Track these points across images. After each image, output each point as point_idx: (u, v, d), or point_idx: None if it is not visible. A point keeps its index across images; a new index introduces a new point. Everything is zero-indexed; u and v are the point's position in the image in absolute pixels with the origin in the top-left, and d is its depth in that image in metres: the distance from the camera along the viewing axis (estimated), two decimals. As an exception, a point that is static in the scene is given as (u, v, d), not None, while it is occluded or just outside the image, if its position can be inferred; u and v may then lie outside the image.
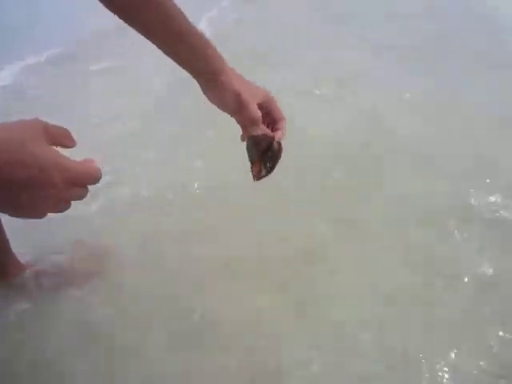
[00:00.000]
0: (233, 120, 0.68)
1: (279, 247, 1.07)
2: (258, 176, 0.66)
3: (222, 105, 0.64)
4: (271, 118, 0.70)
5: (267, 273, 1.00)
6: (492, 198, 1.21)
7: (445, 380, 0.80)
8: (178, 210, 1.20)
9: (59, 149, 0.37)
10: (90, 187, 0.40)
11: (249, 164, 0.68)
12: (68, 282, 0.97)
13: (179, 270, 1.01)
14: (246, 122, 0.64)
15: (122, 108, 1.64)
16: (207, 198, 1.22)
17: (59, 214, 0.39)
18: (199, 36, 0.60)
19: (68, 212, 0.40)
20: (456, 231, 1.11)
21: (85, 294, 0.96)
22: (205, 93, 0.64)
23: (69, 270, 1.00)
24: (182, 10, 0.60)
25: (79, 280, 0.97)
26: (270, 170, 0.66)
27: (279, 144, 0.68)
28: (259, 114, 0.63)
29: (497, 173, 1.30)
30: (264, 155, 0.66)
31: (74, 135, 0.40)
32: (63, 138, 0.38)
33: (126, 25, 0.60)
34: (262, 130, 0.67)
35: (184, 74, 0.65)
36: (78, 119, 1.50)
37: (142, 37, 0.61)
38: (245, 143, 0.68)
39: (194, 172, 1.33)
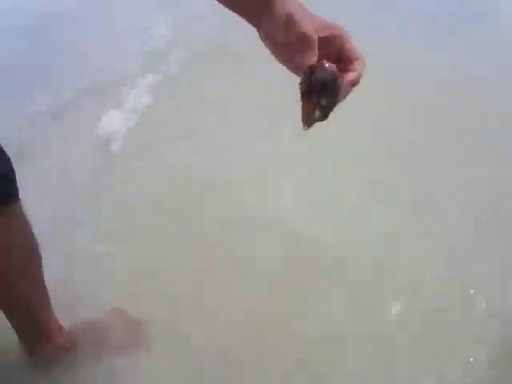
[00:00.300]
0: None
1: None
2: (307, 121, 0.48)
3: (273, 37, 0.50)
4: (343, 58, 0.52)
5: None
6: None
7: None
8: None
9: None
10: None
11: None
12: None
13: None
14: (297, 45, 0.48)
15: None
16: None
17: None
18: None
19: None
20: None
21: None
22: (258, 29, 0.52)
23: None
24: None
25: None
26: (326, 112, 0.48)
27: (346, 82, 0.49)
28: (314, 35, 0.48)
29: None
30: (321, 92, 0.48)
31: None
32: None
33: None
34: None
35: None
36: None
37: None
38: None
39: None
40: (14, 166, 0.68)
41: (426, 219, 1.28)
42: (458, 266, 1.15)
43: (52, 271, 0.86)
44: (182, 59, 1.88)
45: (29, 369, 0.91)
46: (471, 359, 0.96)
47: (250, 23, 0.52)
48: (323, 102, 0.47)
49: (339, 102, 0.48)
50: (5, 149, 0.67)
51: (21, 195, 0.71)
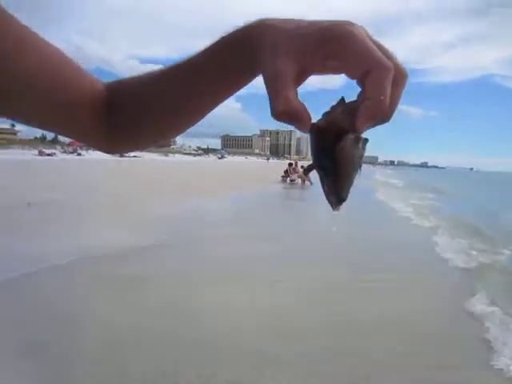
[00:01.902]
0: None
1: None
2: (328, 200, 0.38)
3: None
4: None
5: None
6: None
7: None
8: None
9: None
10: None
11: None
12: None
13: None
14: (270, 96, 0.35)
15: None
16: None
17: None
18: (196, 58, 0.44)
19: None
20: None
21: None
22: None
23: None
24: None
25: None
26: (336, 191, 0.36)
27: (357, 140, 0.35)
28: (287, 73, 0.33)
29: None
30: (325, 156, 0.36)
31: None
32: None
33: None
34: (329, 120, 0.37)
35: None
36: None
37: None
38: None
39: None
40: None
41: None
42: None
43: None
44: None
45: None
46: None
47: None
48: (326, 173, 0.36)
49: (348, 172, 0.35)
50: None
51: None
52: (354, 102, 0.35)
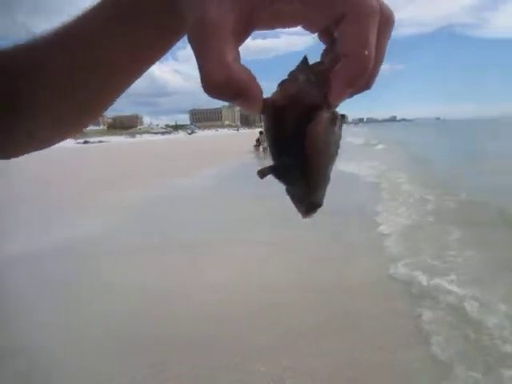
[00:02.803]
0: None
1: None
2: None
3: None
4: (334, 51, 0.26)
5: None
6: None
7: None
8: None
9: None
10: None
11: None
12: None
13: None
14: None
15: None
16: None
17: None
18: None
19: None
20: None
21: None
22: None
23: None
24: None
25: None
26: (299, 187, 0.28)
27: (333, 119, 0.26)
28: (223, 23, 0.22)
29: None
30: (287, 148, 0.26)
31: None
32: None
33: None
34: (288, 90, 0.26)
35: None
36: None
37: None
38: None
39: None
40: None
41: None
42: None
43: None
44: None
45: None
46: None
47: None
48: (290, 179, 0.27)
49: (323, 166, 0.26)
50: None
51: None
52: (321, 63, 0.27)
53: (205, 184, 9.76)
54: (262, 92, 0.24)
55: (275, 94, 0.26)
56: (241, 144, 24.65)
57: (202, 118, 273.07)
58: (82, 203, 7.62)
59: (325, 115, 0.25)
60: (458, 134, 40.02)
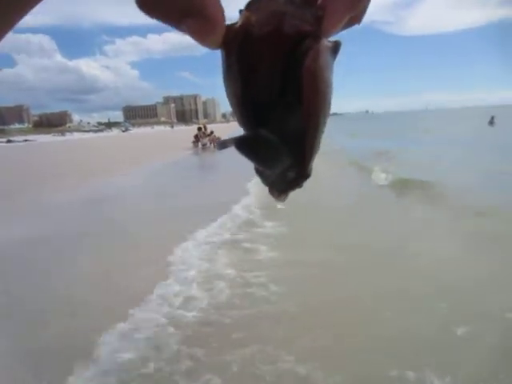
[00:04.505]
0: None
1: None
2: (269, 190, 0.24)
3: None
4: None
5: None
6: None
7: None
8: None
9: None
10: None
11: None
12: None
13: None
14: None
15: None
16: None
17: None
18: None
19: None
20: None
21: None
22: None
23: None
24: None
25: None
26: (288, 150, 0.20)
27: (335, 49, 0.19)
28: None
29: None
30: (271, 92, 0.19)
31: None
32: None
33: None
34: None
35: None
36: None
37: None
38: None
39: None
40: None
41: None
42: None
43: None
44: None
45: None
46: None
47: None
48: (269, 142, 0.21)
49: (324, 114, 0.20)
50: None
51: None
52: None
53: (141, 182, 9.63)
54: (223, 12, 0.17)
55: (243, 18, 0.18)
56: (178, 141, 24.28)
57: (136, 115, 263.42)
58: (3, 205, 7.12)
59: (326, 45, 0.19)
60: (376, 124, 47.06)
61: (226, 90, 0.20)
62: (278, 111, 0.19)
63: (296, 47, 0.18)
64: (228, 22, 0.17)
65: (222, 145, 0.20)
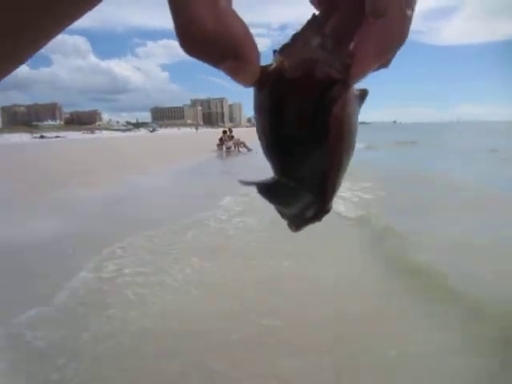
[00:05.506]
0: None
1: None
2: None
3: None
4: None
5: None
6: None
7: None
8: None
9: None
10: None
11: None
12: None
13: None
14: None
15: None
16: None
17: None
18: None
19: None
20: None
21: None
22: None
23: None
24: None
25: None
26: (311, 187, 0.21)
27: (363, 96, 0.22)
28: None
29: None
30: (299, 133, 0.20)
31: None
32: None
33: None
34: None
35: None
36: None
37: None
38: None
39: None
40: None
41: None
42: None
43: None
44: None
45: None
46: None
47: None
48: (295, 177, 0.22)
49: (348, 156, 0.21)
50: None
51: None
52: (334, 22, 0.20)
53: (163, 181, 9.83)
54: (259, 54, 0.18)
55: (278, 61, 0.19)
56: (202, 143, 24.57)
57: (163, 116, 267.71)
58: (31, 201, 7.28)
59: (354, 92, 0.20)
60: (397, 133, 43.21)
61: (257, 125, 0.21)
62: (303, 147, 0.20)
63: (325, 92, 0.19)
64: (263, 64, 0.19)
65: (246, 183, 0.21)
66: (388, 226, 4.46)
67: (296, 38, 0.19)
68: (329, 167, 0.20)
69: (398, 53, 0.20)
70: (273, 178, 0.21)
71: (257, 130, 0.21)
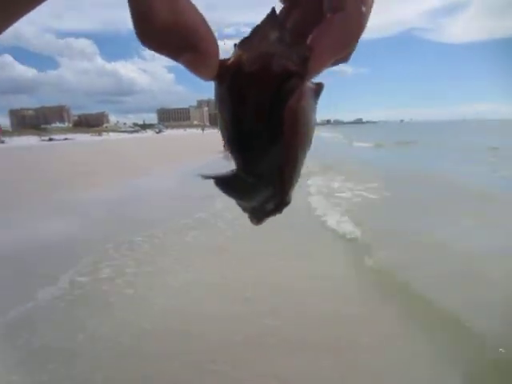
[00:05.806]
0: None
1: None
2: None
3: None
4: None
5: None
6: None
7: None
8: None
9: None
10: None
11: None
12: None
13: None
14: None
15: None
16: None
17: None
18: None
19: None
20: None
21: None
22: None
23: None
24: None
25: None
26: (268, 180, 0.21)
27: (318, 90, 0.21)
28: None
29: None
30: (255, 127, 0.20)
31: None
32: None
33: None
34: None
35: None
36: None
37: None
38: None
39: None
40: None
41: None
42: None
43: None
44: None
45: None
46: None
47: None
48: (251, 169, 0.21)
49: (303, 150, 0.21)
50: None
51: None
52: (296, 17, 0.20)
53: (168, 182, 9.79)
54: (218, 48, 0.18)
55: (237, 55, 0.19)
56: (208, 143, 24.55)
57: (169, 118, 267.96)
58: (36, 203, 7.33)
59: (309, 85, 0.19)
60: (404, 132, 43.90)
61: (218, 119, 0.21)
62: (261, 141, 0.20)
63: (281, 85, 0.19)
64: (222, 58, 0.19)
65: (206, 177, 0.21)
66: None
67: (254, 32, 0.19)
68: (285, 161, 0.20)
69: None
70: (232, 171, 0.21)
71: (218, 124, 0.21)
